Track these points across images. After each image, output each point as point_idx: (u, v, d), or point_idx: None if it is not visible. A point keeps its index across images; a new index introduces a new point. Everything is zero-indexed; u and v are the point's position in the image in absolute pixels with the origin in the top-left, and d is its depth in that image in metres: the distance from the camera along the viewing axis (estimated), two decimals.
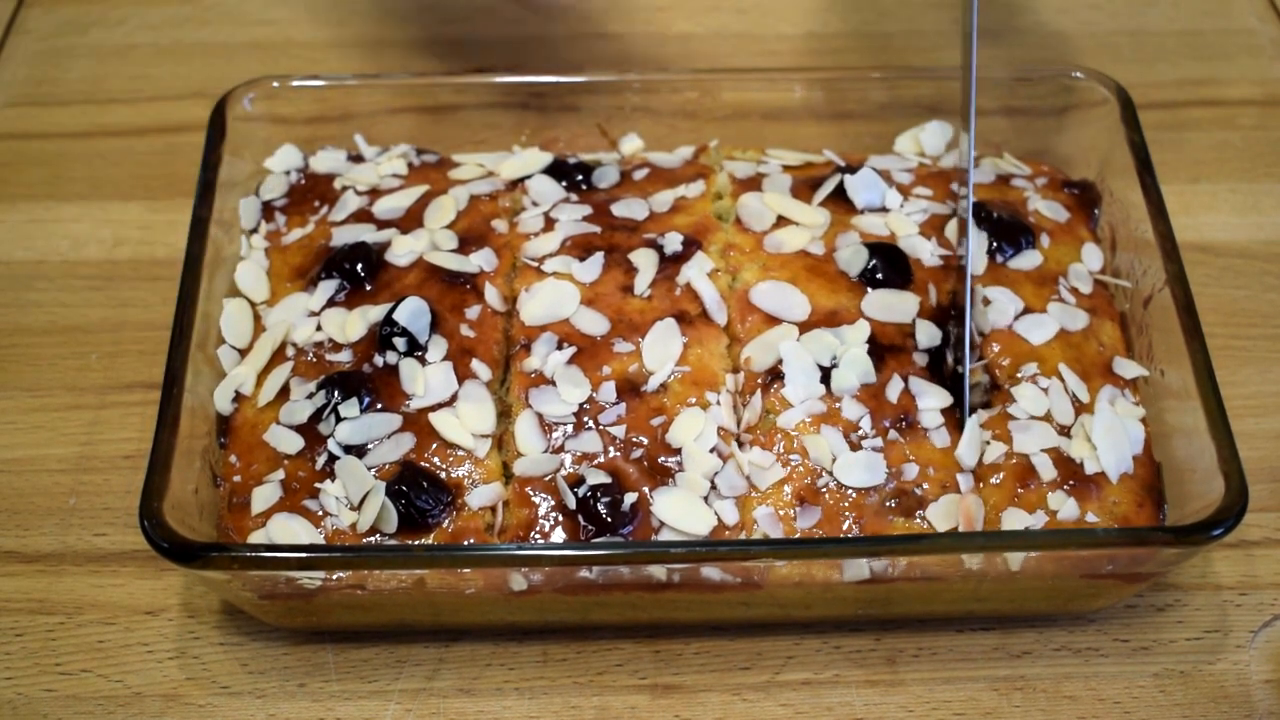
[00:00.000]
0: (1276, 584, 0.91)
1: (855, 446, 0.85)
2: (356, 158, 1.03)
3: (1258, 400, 0.99)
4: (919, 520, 0.84)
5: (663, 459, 0.84)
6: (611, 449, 0.85)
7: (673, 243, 0.93)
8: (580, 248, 0.93)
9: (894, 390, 0.87)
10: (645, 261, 0.92)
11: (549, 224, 0.95)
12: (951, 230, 0.95)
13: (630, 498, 0.83)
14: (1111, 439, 0.86)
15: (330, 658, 0.88)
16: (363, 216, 0.97)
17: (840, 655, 0.88)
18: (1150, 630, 0.89)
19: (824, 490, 0.84)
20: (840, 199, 0.97)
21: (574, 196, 0.98)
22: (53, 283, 1.06)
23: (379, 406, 0.86)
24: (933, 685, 0.87)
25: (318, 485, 0.84)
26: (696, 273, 0.91)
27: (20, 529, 0.93)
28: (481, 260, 0.93)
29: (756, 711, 0.86)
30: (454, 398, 0.87)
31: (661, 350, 0.88)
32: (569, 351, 0.88)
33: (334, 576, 0.80)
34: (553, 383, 0.87)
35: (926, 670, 0.88)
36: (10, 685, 0.86)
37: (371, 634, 0.88)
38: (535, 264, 0.93)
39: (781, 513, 0.84)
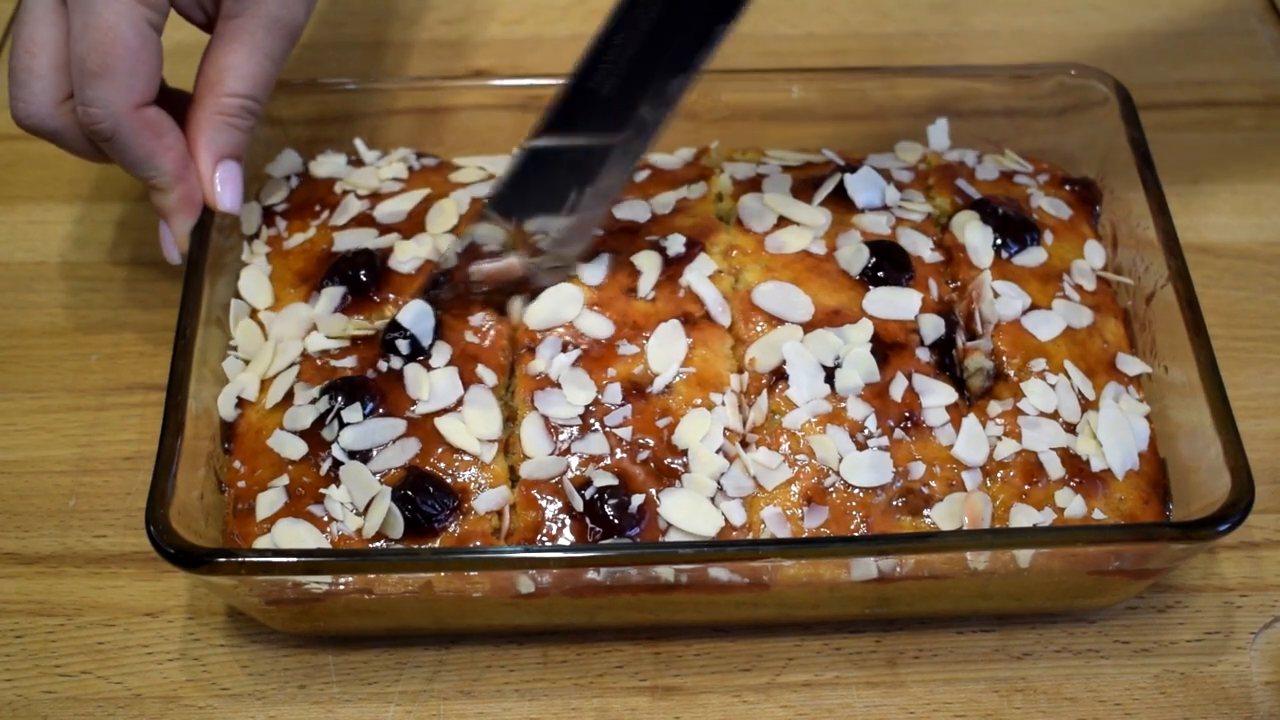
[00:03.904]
0: (1278, 585, 0.91)
1: (861, 446, 0.85)
2: (356, 161, 1.03)
3: (1259, 402, 0.99)
4: (926, 519, 0.84)
5: (669, 460, 0.84)
6: (618, 451, 0.85)
7: (675, 244, 0.93)
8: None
9: (898, 389, 0.87)
10: (648, 264, 0.92)
11: None
12: (955, 226, 0.95)
13: (637, 499, 0.83)
14: (1117, 436, 0.86)
15: (330, 660, 0.88)
16: (364, 221, 0.97)
17: (841, 657, 0.88)
18: (1151, 632, 0.89)
19: (831, 490, 0.84)
20: (841, 198, 0.97)
21: None
22: (53, 284, 1.06)
23: (382, 412, 0.86)
24: (933, 687, 0.87)
25: (323, 491, 0.84)
26: (698, 275, 0.91)
27: (20, 530, 0.93)
28: None
29: (757, 713, 0.86)
30: (459, 403, 0.86)
31: (666, 352, 0.88)
32: (574, 354, 0.88)
33: (340, 582, 0.80)
34: (558, 385, 0.87)
35: (927, 672, 0.88)
36: (10, 687, 0.86)
37: (372, 636, 0.88)
38: None
39: (789, 513, 0.84)
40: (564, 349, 0.88)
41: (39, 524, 0.93)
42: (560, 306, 0.90)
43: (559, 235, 0.90)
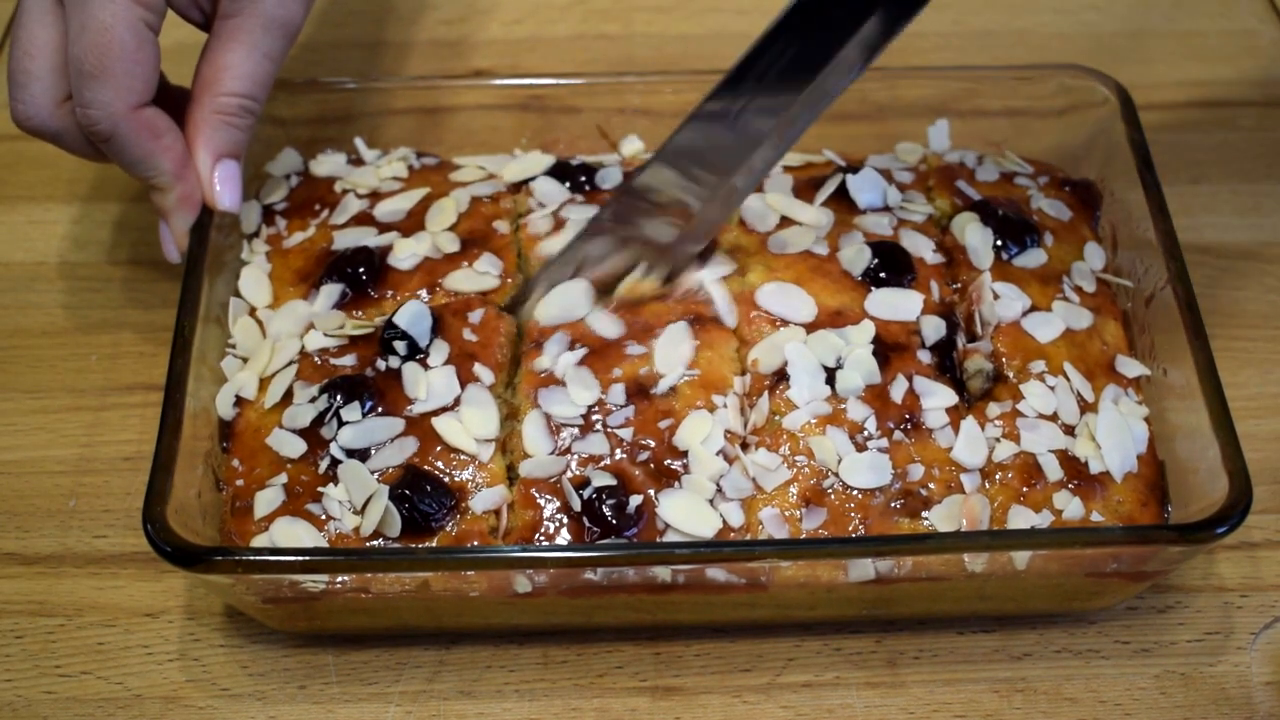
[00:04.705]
0: (1278, 585, 0.91)
1: (861, 447, 0.85)
2: (356, 160, 1.03)
3: (1259, 402, 0.99)
4: (925, 521, 0.84)
5: (669, 461, 0.84)
6: (618, 451, 0.85)
7: None
8: None
9: (899, 390, 0.87)
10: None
11: (559, 224, 0.96)
12: (956, 227, 0.95)
13: (636, 500, 0.82)
14: (1116, 438, 0.86)
15: (330, 660, 0.88)
16: (363, 219, 0.97)
17: (841, 657, 0.88)
18: (1151, 632, 0.89)
19: (829, 491, 0.84)
20: (842, 199, 0.97)
21: (579, 197, 0.98)
22: (52, 284, 1.06)
23: (381, 410, 0.86)
24: (933, 687, 0.87)
25: (320, 489, 0.84)
26: (711, 274, 0.91)
27: (20, 531, 0.93)
28: (487, 264, 0.93)
29: (757, 714, 0.86)
30: (457, 402, 0.86)
31: (673, 353, 0.88)
32: (580, 352, 0.88)
33: (338, 580, 0.80)
34: (562, 384, 0.87)
35: (927, 672, 0.88)
36: (10, 688, 0.86)
37: (372, 636, 0.88)
38: None
39: (787, 514, 0.83)
40: (571, 346, 0.88)
41: (39, 524, 0.93)
42: (572, 304, 0.90)
43: (682, 235, 0.90)
